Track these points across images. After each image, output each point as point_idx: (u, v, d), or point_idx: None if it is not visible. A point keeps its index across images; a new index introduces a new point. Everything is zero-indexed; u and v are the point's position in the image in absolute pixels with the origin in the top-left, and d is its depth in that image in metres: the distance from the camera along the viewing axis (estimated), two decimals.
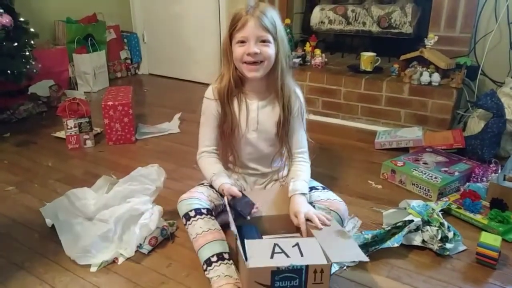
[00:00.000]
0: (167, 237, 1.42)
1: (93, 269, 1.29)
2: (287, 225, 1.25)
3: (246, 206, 1.24)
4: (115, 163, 2.04)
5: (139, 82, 3.57)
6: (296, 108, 1.35)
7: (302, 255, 1.03)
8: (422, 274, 1.26)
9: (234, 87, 1.33)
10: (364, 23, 2.62)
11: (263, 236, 1.23)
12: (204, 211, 1.25)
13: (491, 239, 1.28)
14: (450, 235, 1.33)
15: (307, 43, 2.80)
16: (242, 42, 1.25)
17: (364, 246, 1.31)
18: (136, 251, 1.36)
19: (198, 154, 1.41)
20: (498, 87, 2.26)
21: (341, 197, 1.38)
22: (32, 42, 2.46)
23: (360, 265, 1.29)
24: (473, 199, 1.53)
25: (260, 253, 1.04)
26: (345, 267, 1.28)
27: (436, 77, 2.24)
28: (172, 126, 2.50)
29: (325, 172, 1.85)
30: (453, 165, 1.79)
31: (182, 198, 1.29)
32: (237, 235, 1.06)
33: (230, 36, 1.27)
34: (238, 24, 1.24)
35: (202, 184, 1.39)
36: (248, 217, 1.22)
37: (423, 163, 1.82)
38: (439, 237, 1.32)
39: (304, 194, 1.27)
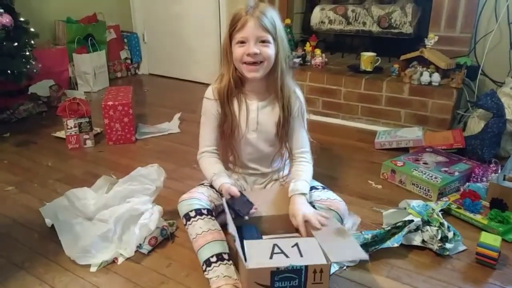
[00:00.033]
0: (167, 237, 1.42)
1: (93, 269, 1.29)
2: (286, 225, 1.25)
3: (244, 206, 1.23)
4: (115, 163, 2.04)
5: (139, 82, 3.57)
6: (296, 109, 1.35)
7: (301, 255, 1.03)
8: (422, 274, 1.26)
9: (234, 88, 1.33)
10: (364, 23, 2.62)
11: (263, 236, 1.23)
12: (205, 211, 1.25)
13: (491, 239, 1.28)
14: (450, 235, 1.33)
15: (307, 43, 2.80)
16: (242, 42, 1.25)
17: (364, 246, 1.31)
18: (136, 251, 1.36)
19: (199, 154, 1.41)
20: (498, 87, 2.26)
21: (341, 197, 1.38)
22: (32, 42, 2.46)
23: (360, 265, 1.29)
24: (473, 199, 1.53)
25: (259, 253, 1.04)
26: (344, 267, 1.28)
27: (436, 77, 2.24)
28: (172, 126, 2.50)
29: (325, 172, 1.85)
30: (453, 165, 1.79)
31: (183, 199, 1.29)
32: (235, 236, 1.05)
33: (230, 36, 1.27)
34: (237, 24, 1.24)
35: (202, 184, 1.39)
36: (246, 217, 1.22)
37: (423, 163, 1.81)
38: (439, 237, 1.32)
39: (304, 194, 1.27)
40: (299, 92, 1.38)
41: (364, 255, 1.06)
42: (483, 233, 1.33)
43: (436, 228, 1.34)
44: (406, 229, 1.35)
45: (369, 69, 2.50)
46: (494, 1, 2.26)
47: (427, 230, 1.35)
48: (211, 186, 1.35)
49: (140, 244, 1.36)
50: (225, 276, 1.15)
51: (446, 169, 1.75)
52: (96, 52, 3.22)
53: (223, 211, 1.37)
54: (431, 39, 2.25)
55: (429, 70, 2.27)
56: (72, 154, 2.15)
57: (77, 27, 3.13)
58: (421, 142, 2.05)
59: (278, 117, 1.34)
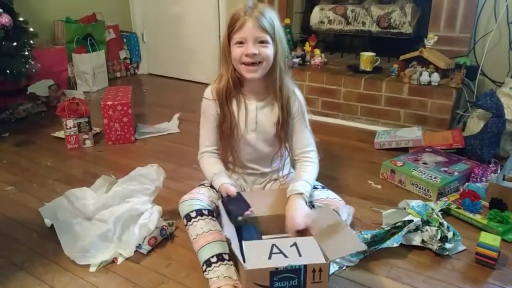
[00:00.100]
0: (166, 237, 1.42)
1: (92, 269, 1.29)
2: (285, 225, 1.25)
3: (239, 207, 1.22)
4: (115, 163, 2.04)
5: (138, 82, 3.57)
6: (295, 109, 1.35)
7: (300, 255, 1.03)
8: (422, 274, 1.26)
9: (233, 88, 1.32)
10: (363, 23, 2.62)
11: (262, 237, 1.23)
12: (205, 212, 1.25)
13: (490, 239, 1.28)
14: (450, 235, 1.33)
15: (307, 43, 2.80)
16: (240, 43, 1.24)
17: None
18: (135, 251, 1.36)
19: (199, 154, 1.41)
20: (498, 87, 2.26)
21: (340, 197, 1.38)
22: (31, 41, 2.45)
23: (359, 265, 1.29)
24: (472, 199, 1.53)
25: (258, 254, 1.04)
26: (344, 267, 1.28)
27: (435, 77, 2.24)
28: (172, 126, 2.50)
29: (325, 172, 1.84)
30: (453, 165, 1.79)
31: (184, 199, 1.29)
32: (230, 239, 1.05)
33: (229, 36, 1.27)
34: (236, 25, 1.23)
35: (202, 184, 1.39)
36: (239, 218, 1.20)
37: (423, 163, 1.82)
38: (438, 237, 1.32)
39: (301, 193, 1.26)
40: (298, 92, 1.38)
41: (362, 246, 1.07)
42: (483, 233, 1.33)
43: (436, 228, 1.34)
44: (405, 229, 1.35)
45: (368, 69, 2.50)
46: (493, 1, 2.26)
47: (426, 230, 1.35)
48: (212, 187, 1.35)
49: (140, 244, 1.36)
50: (225, 276, 1.15)
51: (446, 169, 1.75)
52: (95, 52, 3.22)
53: None
54: (430, 39, 2.25)
55: (428, 70, 2.27)
56: (71, 154, 2.15)
57: (76, 27, 3.13)
58: (420, 142, 2.05)
59: (277, 118, 1.34)
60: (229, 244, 1.08)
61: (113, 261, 1.33)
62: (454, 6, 2.28)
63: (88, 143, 2.22)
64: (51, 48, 2.99)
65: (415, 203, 1.53)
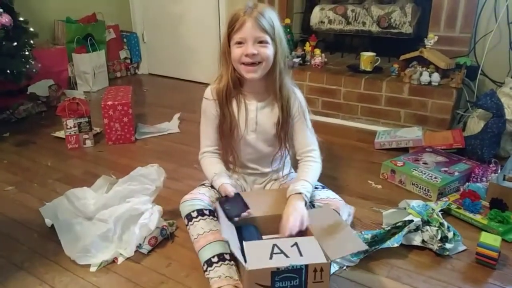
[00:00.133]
0: (166, 237, 1.42)
1: (92, 269, 1.29)
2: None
3: (236, 208, 1.22)
4: (115, 163, 2.04)
5: (138, 82, 3.57)
6: (295, 109, 1.35)
7: (301, 255, 1.03)
8: (422, 274, 1.26)
9: (233, 88, 1.32)
10: (364, 23, 2.62)
11: (263, 237, 1.23)
12: (206, 212, 1.25)
13: (491, 239, 1.28)
14: (450, 235, 1.33)
15: (307, 43, 2.80)
16: (240, 43, 1.24)
17: None
18: (135, 251, 1.35)
19: (200, 154, 1.41)
20: (498, 87, 2.26)
21: (341, 197, 1.38)
22: (31, 41, 2.45)
23: (360, 265, 1.29)
24: (472, 199, 1.53)
25: (259, 254, 1.04)
26: (344, 267, 1.28)
27: (436, 77, 2.24)
28: (172, 126, 2.50)
29: (325, 172, 1.83)
30: (453, 165, 1.79)
31: (185, 199, 1.29)
32: (228, 240, 1.05)
33: (228, 37, 1.27)
34: (236, 25, 1.23)
35: (203, 184, 1.39)
36: (236, 219, 1.20)
37: (423, 163, 1.82)
38: (438, 237, 1.32)
39: (300, 193, 1.25)
40: (298, 92, 1.37)
41: (363, 246, 1.07)
42: (483, 233, 1.33)
43: (436, 228, 1.34)
44: (406, 229, 1.35)
45: (368, 69, 2.50)
46: (493, 1, 2.26)
47: (427, 230, 1.35)
48: (212, 187, 1.35)
49: (140, 244, 1.36)
50: (226, 276, 1.15)
51: (446, 169, 1.75)
52: (96, 52, 3.22)
53: None
54: (430, 39, 2.25)
55: (428, 70, 2.27)
56: (72, 154, 2.15)
57: (76, 27, 3.13)
58: (420, 142, 2.05)
59: (277, 118, 1.34)
60: (228, 245, 1.07)
61: (114, 261, 1.33)
62: (454, 6, 2.28)
63: (89, 143, 2.22)
64: (51, 48, 2.99)
65: (416, 203, 1.53)
